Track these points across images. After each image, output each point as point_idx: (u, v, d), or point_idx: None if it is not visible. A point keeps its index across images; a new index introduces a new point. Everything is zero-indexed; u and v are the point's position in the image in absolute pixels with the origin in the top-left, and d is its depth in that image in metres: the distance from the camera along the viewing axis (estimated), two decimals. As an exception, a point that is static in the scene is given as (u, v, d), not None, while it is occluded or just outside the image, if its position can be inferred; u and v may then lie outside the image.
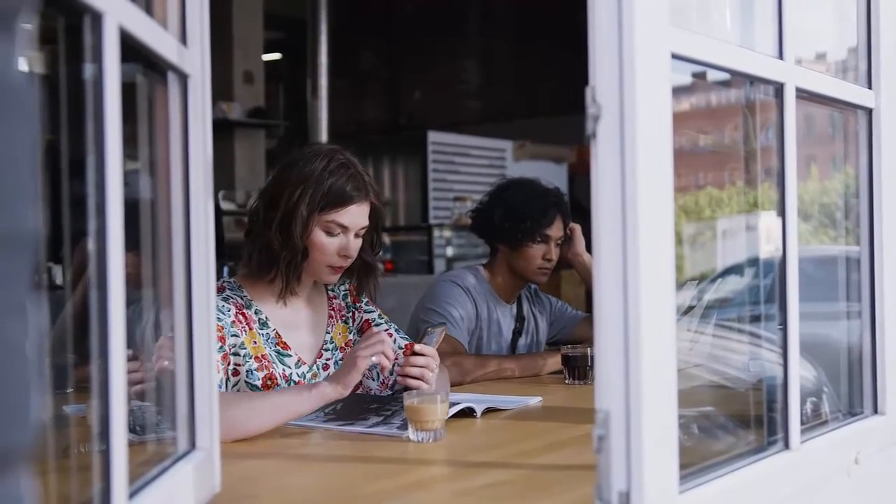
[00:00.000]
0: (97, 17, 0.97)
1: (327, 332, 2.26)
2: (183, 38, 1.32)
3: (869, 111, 1.75)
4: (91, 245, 0.98)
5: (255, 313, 2.14)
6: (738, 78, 1.53)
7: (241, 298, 2.14)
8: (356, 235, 2.16)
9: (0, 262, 0.52)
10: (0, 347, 0.52)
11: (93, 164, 0.98)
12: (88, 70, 0.99)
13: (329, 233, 2.12)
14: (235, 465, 1.58)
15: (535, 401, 2.29)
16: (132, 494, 1.06)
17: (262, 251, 2.13)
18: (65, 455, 1.16)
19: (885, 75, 1.75)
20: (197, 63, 1.34)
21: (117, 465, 0.98)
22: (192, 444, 1.33)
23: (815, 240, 1.86)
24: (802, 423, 1.49)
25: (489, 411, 2.11)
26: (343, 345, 2.28)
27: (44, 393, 0.56)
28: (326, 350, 2.25)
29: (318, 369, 2.21)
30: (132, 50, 1.08)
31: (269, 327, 2.15)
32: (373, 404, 2.08)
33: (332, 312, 2.30)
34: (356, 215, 2.13)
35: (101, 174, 0.97)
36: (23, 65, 0.55)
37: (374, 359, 1.93)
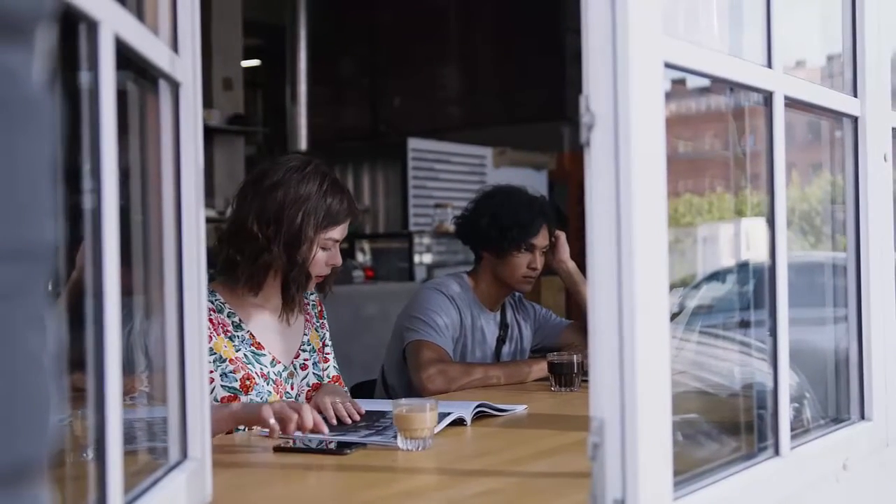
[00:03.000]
0: (93, 26, 0.96)
1: (305, 334, 2.34)
2: (174, 46, 1.31)
3: (854, 119, 1.76)
4: (87, 253, 0.97)
5: (228, 316, 2.20)
6: (723, 85, 1.53)
7: (212, 303, 2.18)
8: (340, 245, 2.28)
9: (19, 274, 0.52)
10: (20, 359, 0.51)
11: (88, 172, 0.97)
12: (83, 77, 0.98)
13: (324, 248, 2.22)
14: (227, 475, 1.57)
15: (520, 409, 2.29)
16: (127, 505, 1.05)
17: (260, 268, 2.17)
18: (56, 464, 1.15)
19: (870, 84, 1.77)
20: (188, 71, 1.34)
21: (112, 475, 0.97)
22: (184, 454, 1.32)
23: (796, 246, 1.87)
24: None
25: (479, 417, 2.11)
26: (317, 349, 2.37)
27: (59, 404, 0.56)
28: (304, 350, 2.33)
29: (295, 368, 2.28)
30: (124, 57, 1.07)
31: (243, 329, 2.20)
32: (362, 421, 2.07)
33: (308, 316, 2.38)
34: (346, 229, 2.26)
35: (97, 181, 0.96)
36: (40, 76, 0.55)
37: (272, 421, 1.84)
